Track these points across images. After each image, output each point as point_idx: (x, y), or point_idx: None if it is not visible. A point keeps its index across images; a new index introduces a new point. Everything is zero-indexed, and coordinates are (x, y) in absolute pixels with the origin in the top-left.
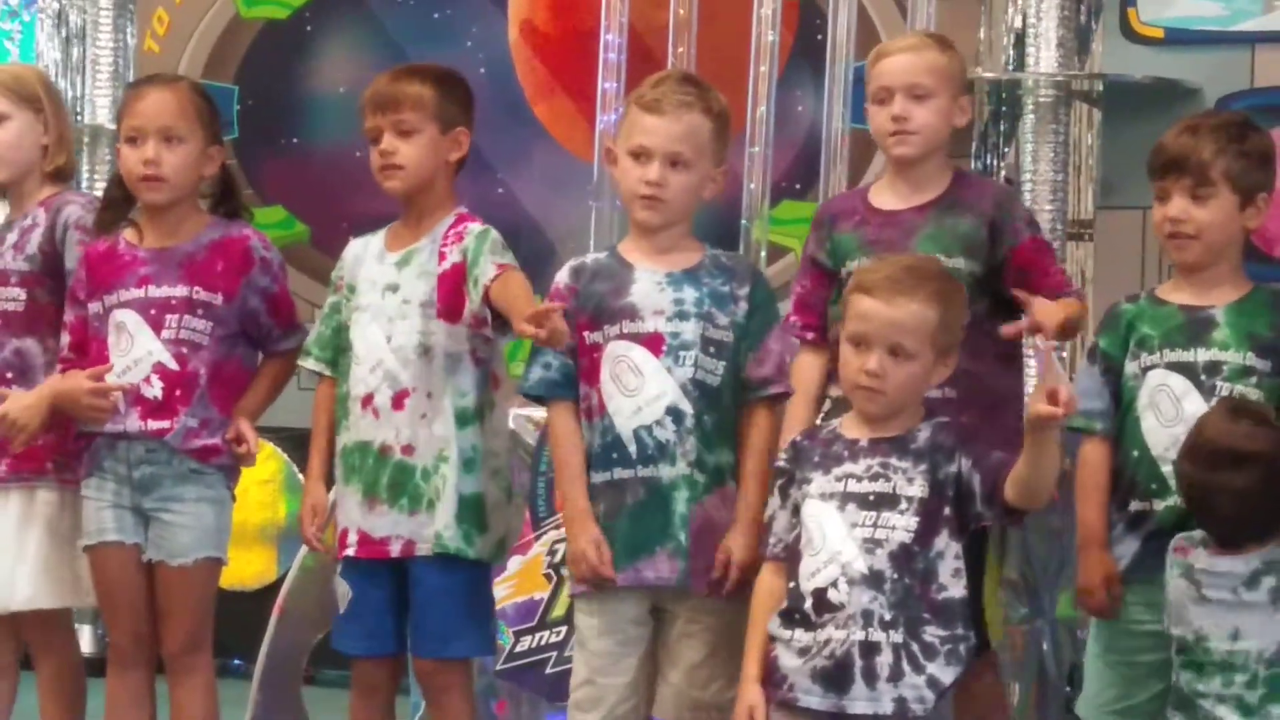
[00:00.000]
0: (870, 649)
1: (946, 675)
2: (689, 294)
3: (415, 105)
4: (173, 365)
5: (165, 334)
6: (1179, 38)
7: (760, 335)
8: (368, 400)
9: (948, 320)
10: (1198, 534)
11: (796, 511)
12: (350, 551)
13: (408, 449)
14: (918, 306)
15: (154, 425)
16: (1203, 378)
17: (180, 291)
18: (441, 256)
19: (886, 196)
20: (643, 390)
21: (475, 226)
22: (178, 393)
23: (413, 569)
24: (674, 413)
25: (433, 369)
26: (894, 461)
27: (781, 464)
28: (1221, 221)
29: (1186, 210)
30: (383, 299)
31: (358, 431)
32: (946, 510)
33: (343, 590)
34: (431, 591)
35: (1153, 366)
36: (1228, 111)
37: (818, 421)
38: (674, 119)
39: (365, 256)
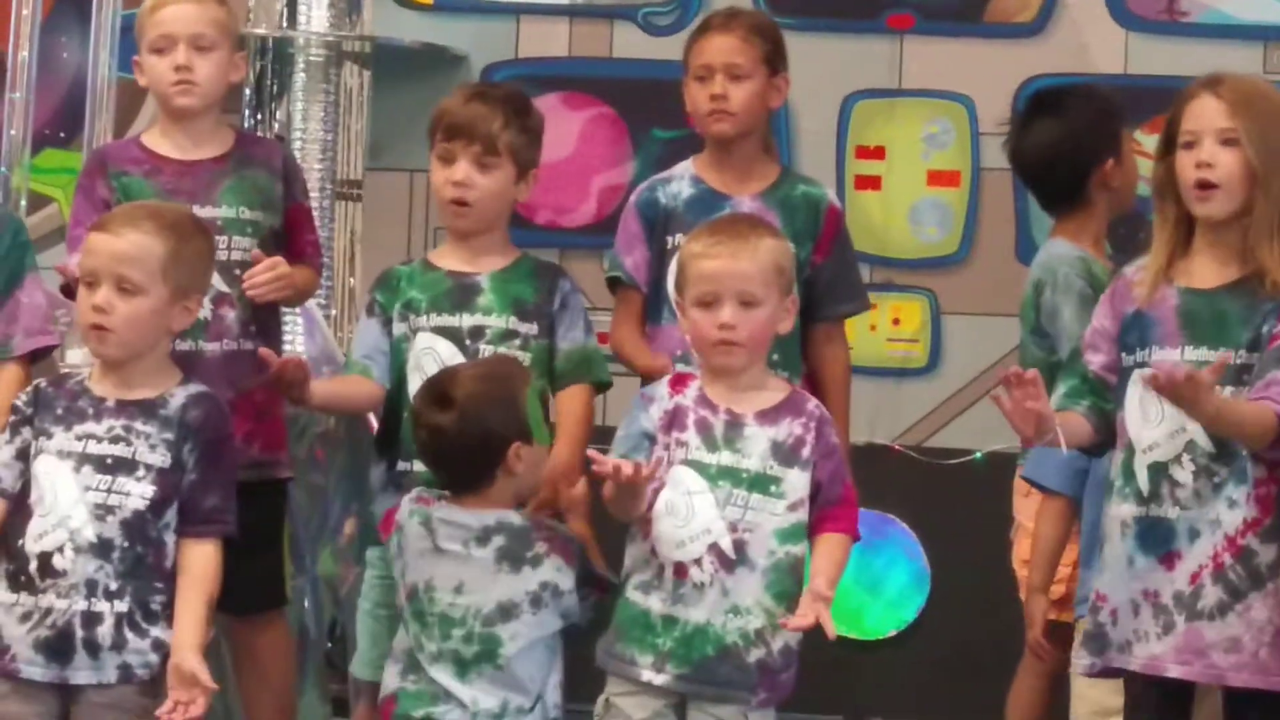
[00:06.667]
0: (92, 619)
1: (169, 635)
2: None
3: None
4: None
5: None
6: (448, 4)
7: None
8: None
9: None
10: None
11: (24, 457)
12: None
13: None
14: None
15: None
16: (467, 342)
17: None
18: None
19: (169, 146)
20: None
21: None
22: None
23: None
24: None
25: None
26: (138, 426)
27: (19, 404)
28: (500, 191)
29: (470, 176)
30: None
31: None
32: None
33: None
34: None
35: (420, 329)
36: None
37: None
38: None
39: None
